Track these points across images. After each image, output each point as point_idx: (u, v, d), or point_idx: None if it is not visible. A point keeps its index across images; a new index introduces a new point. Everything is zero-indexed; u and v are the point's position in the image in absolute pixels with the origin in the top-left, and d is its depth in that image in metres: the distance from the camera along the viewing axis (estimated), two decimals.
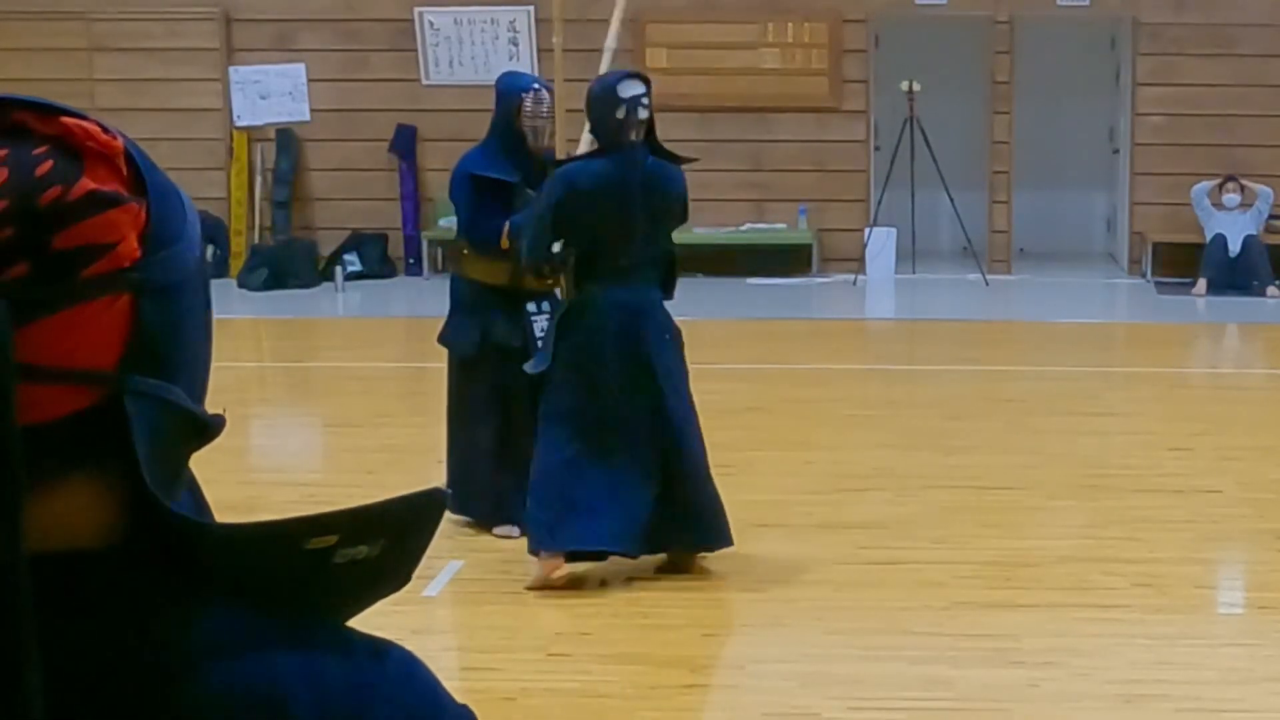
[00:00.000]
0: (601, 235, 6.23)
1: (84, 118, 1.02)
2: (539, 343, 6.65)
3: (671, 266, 6.45)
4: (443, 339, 7.07)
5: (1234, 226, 14.71)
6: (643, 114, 6.22)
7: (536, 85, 6.91)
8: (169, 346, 1.03)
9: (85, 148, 1.01)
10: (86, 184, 1.00)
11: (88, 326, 0.99)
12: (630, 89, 6.21)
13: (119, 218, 1.00)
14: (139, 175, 1.03)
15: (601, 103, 6.21)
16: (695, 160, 6.61)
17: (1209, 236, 14.70)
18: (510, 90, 6.90)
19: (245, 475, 7.58)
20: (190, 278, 1.05)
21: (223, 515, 1.04)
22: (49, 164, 0.99)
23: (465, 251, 7.02)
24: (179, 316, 1.04)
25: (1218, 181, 14.89)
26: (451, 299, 7.08)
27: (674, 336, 6.38)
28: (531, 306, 6.85)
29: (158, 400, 1.02)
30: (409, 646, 1.10)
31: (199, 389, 1.07)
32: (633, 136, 6.23)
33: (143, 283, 1.01)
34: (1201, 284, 14.47)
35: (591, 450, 6.25)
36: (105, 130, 1.02)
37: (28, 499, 0.96)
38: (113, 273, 1.00)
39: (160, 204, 1.03)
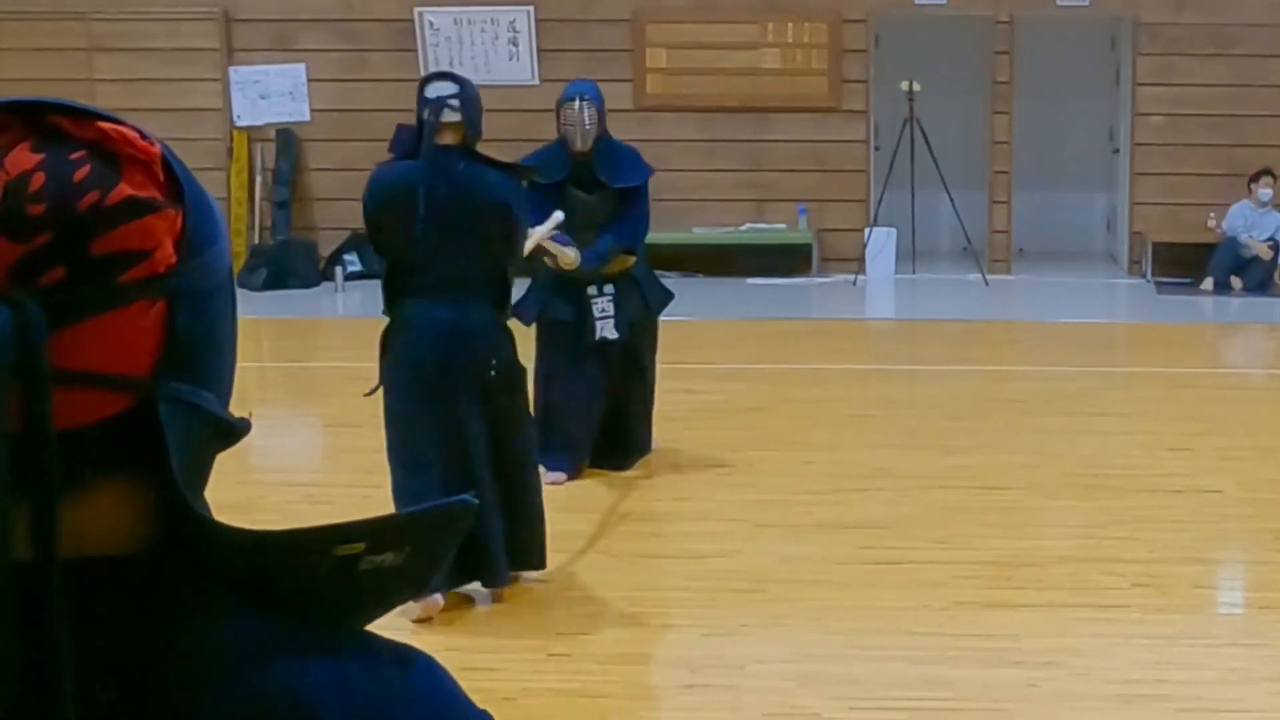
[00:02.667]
0: (403, 245, 5.84)
1: (121, 123, 1.02)
2: (598, 322, 7.69)
3: (504, 284, 5.95)
4: (512, 310, 7.73)
5: (1266, 221, 14.65)
6: (450, 116, 5.87)
7: (571, 95, 7.70)
8: (202, 352, 1.03)
9: (122, 153, 1.01)
10: (124, 190, 1.00)
11: (123, 332, 0.99)
12: (437, 89, 5.91)
13: (156, 224, 1.00)
14: (175, 181, 1.03)
15: (416, 100, 5.95)
16: (530, 172, 6.12)
17: (1239, 228, 14.60)
18: (558, 103, 7.71)
19: (245, 475, 7.58)
20: (223, 284, 1.06)
21: (222, 515, 1.04)
22: (86, 169, 0.99)
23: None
24: (212, 322, 1.04)
25: (1250, 175, 14.81)
26: (531, 279, 7.90)
27: (503, 365, 5.94)
28: (593, 289, 7.69)
29: (190, 406, 1.02)
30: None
31: (227, 392, 1.07)
32: (446, 140, 5.89)
33: (178, 289, 1.01)
34: (1209, 282, 14.41)
35: (420, 484, 5.85)
36: (143, 136, 1.02)
37: (61, 504, 0.96)
38: (149, 279, 1.00)
39: (196, 210, 1.03)
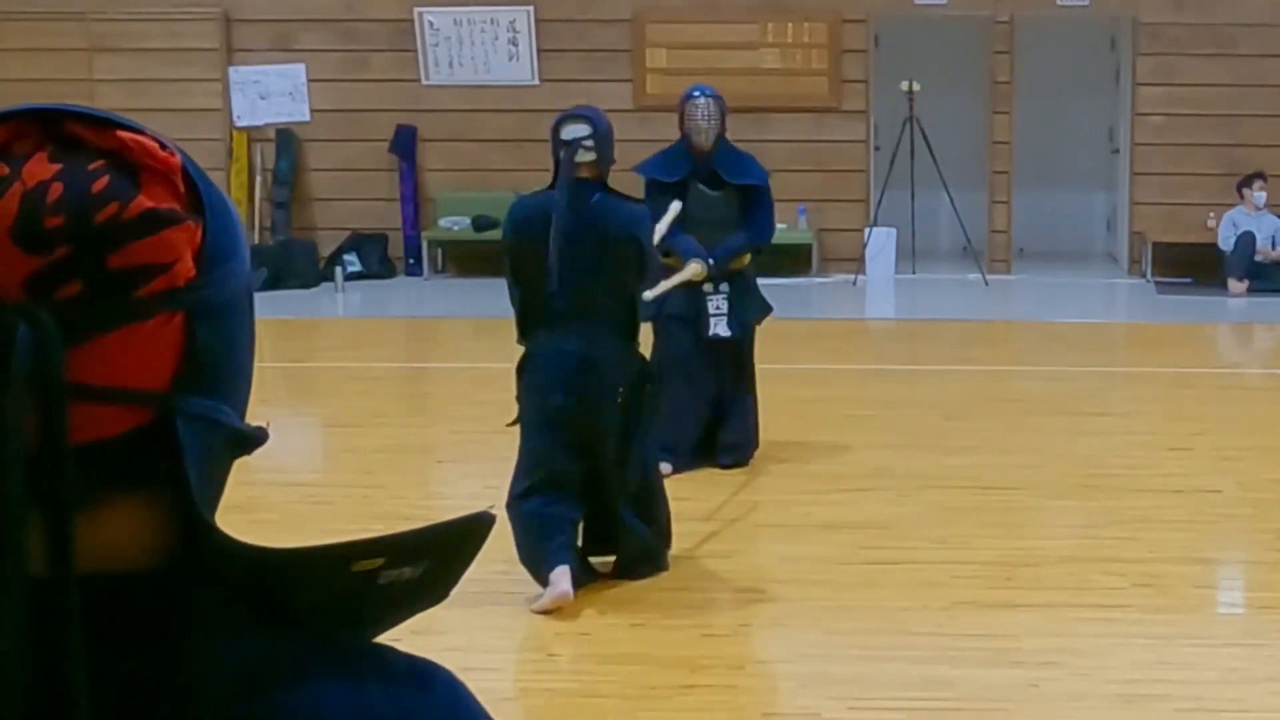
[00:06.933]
0: (538, 273, 6.04)
1: (141, 131, 1.00)
2: (711, 319, 7.84)
3: (633, 314, 6.18)
4: None
5: (1262, 225, 14.64)
6: (585, 156, 6.11)
7: (695, 93, 8.03)
8: (221, 365, 1.02)
9: (142, 164, 0.99)
10: (143, 202, 0.98)
11: (141, 346, 0.98)
12: (572, 132, 6.14)
13: (175, 237, 0.99)
14: (195, 192, 1.01)
15: (551, 139, 6.21)
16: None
17: (1233, 236, 14.59)
18: (682, 101, 8.05)
19: (245, 475, 7.50)
20: (242, 295, 1.04)
21: (223, 516, 1.03)
22: (105, 180, 0.97)
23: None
24: (231, 334, 1.03)
25: (1240, 180, 14.81)
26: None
27: (630, 391, 6.15)
28: (708, 287, 7.86)
29: (209, 421, 1.00)
30: (409, 646, 1.10)
31: (244, 404, 1.06)
32: (582, 174, 6.12)
33: (198, 302, 0.99)
34: (1240, 285, 14.28)
35: (559, 506, 6.11)
36: (163, 146, 1.00)
37: (77, 519, 0.95)
38: (168, 292, 0.98)
39: (216, 222, 1.02)
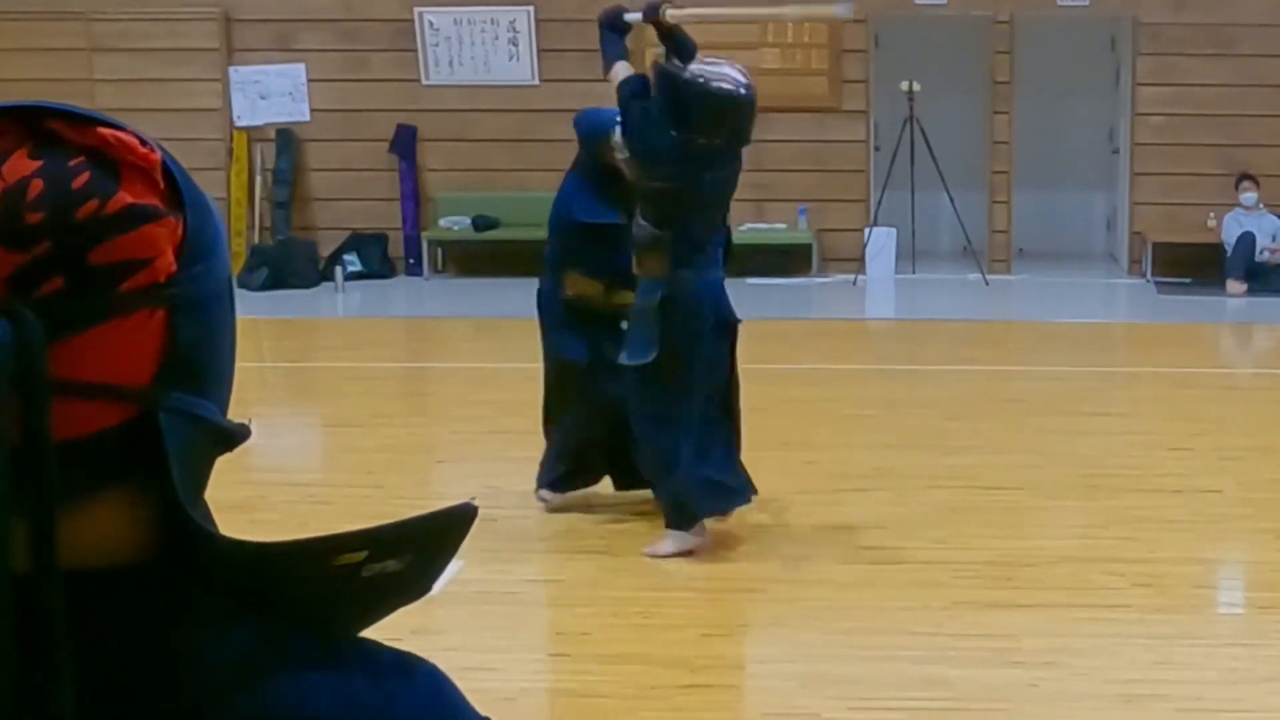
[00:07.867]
0: (690, 216, 6.60)
1: (121, 128, 1.00)
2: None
3: (728, 242, 6.92)
4: (552, 351, 7.25)
5: (1263, 225, 14.63)
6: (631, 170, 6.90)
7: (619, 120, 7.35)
8: (203, 360, 1.02)
9: (122, 160, 0.99)
10: (124, 198, 0.98)
11: (123, 342, 0.98)
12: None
13: (156, 232, 0.99)
14: (175, 188, 1.01)
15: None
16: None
17: (1236, 235, 14.59)
18: (595, 130, 7.30)
19: (245, 475, 7.57)
20: (223, 291, 1.04)
21: (222, 515, 1.04)
22: (85, 176, 0.98)
23: (569, 273, 7.18)
24: (212, 330, 1.03)
25: (1233, 182, 14.81)
26: (548, 312, 7.22)
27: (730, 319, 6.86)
28: (625, 325, 7.12)
29: (191, 416, 1.01)
30: (409, 646, 1.10)
31: (226, 399, 1.06)
32: None
33: (179, 297, 1.00)
34: (1239, 285, 14.25)
35: (706, 434, 6.66)
36: (143, 143, 1.01)
37: (60, 515, 0.95)
38: (149, 287, 0.99)
39: (196, 218, 1.02)
